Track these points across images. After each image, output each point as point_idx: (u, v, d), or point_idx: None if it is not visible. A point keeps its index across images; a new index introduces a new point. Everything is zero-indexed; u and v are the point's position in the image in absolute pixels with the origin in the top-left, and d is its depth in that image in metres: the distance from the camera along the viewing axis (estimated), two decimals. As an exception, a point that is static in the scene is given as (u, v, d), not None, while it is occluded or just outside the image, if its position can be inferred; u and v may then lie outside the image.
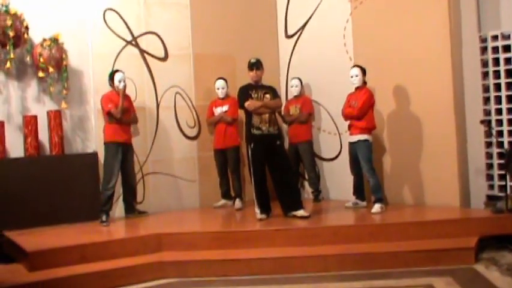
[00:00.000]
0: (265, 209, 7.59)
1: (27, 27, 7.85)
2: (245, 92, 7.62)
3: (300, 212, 7.46)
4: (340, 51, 8.93)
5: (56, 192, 7.89)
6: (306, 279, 6.15)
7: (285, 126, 9.35)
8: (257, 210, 7.54)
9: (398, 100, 8.23)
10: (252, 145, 7.53)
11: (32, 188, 7.74)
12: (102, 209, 7.90)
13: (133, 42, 8.84)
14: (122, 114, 7.92)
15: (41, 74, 7.95)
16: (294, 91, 9.10)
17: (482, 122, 7.44)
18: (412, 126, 8.06)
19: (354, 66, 8.00)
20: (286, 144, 8.90)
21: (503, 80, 7.56)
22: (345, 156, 8.43)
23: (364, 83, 7.91)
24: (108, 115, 7.95)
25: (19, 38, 7.75)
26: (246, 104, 7.54)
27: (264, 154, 7.54)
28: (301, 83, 9.12)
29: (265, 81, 7.84)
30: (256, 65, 7.65)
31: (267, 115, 7.53)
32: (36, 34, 8.02)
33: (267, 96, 7.60)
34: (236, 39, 9.51)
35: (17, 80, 8.07)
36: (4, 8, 7.67)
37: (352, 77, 7.88)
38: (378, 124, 8.03)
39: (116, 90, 8.04)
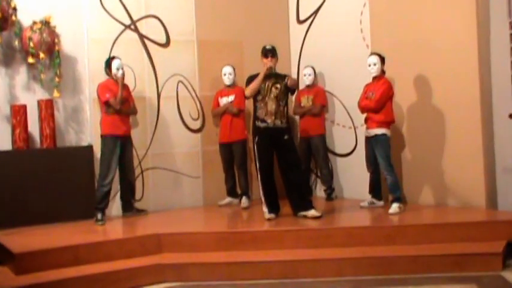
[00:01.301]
0: (274, 207, 7.58)
1: (15, 9, 7.79)
2: (249, 82, 7.60)
3: (311, 212, 7.43)
4: (356, 38, 8.89)
5: (47, 188, 7.86)
6: (318, 284, 6.14)
7: (296, 118, 9.29)
8: (265, 209, 7.52)
9: (419, 92, 8.16)
10: (256, 139, 7.54)
11: (20, 184, 7.71)
12: (98, 207, 7.87)
13: (132, 27, 8.80)
14: (121, 104, 7.86)
15: (30, 60, 7.91)
16: (306, 80, 9.05)
17: (511, 116, 7.35)
18: (434, 120, 7.99)
19: (372, 54, 7.93)
20: (297, 139, 8.85)
21: (534, 70, 7.48)
22: (361, 151, 8.40)
23: (383, 72, 7.85)
24: (106, 105, 7.91)
25: (6, 20, 7.67)
26: (245, 93, 7.62)
27: (271, 148, 7.53)
28: (315, 72, 9.06)
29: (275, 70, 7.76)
30: (272, 52, 7.60)
31: (273, 106, 7.48)
32: (26, 16, 7.96)
33: (277, 86, 7.54)
34: (244, 24, 9.48)
35: (4, 66, 8.03)
36: (-12, -13, 7.64)
37: (369, 65, 7.82)
38: (397, 117, 7.98)
39: (113, 79, 8.01)
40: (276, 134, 7.51)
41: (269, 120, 7.48)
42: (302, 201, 7.55)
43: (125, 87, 8.13)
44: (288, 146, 7.58)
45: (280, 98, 7.54)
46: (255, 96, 7.58)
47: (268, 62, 7.54)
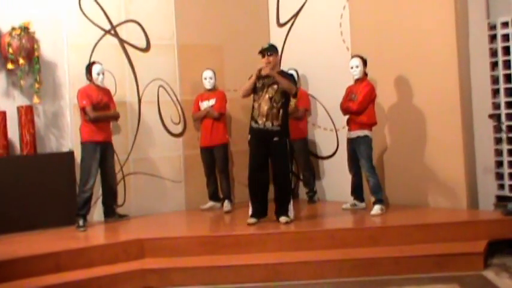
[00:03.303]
0: (258, 211, 7.51)
1: (-7, 14, 7.78)
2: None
3: (281, 219, 7.34)
4: (336, 41, 8.90)
5: (27, 195, 7.79)
6: (301, 287, 6.14)
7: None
8: (249, 212, 7.50)
9: (400, 93, 8.19)
10: (249, 137, 7.50)
11: (0, 191, 7.63)
12: (79, 213, 7.82)
13: (112, 32, 8.75)
14: (96, 119, 7.86)
15: (10, 66, 7.86)
16: (288, 83, 9.03)
17: (491, 116, 7.40)
18: (415, 121, 8.02)
19: (354, 56, 7.94)
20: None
21: (513, 71, 7.53)
22: (342, 153, 8.40)
23: (365, 74, 7.87)
24: (83, 112, 7.88)
25: (-16, 26, 7.67)
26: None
27: (261, 149, 7.43)
28: (298, 74, 9.06)
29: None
30: (268, 50, 7.48)
31: (265, 108, 7.32)
32: (4, 22, 7.93)
33: (274, 87, 7.35)
34: (224, 28, 9.46)
35: (-17, 73, 7.98)
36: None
37: (352, 68, 7.83)
38: (379, 119, 7.98)
39: (94, 84, 7.96)
40: (266, 136, 7.38)
41: (260, 122, 7.37)
42: (278, 207, 7.46)
43: (106, 92, 8.12)
44: (276, 148, 7.40)
45: (275, 100, 7.34)
46: (253, 94, 7.49)
47: (264, 62, 7.41)
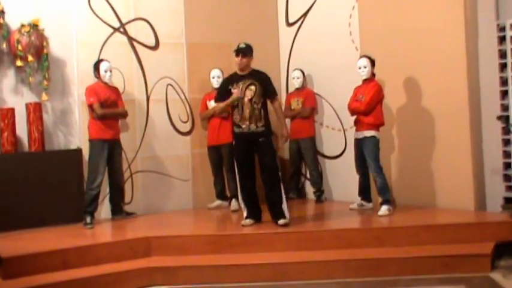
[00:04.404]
0: (254, 212, 7.44)
1: (2, 11, 7.79)
2: (223, 87, 7.46)
3: (279, 222, 7.20)
4: (345, 41, 8.87)
5: (35, 192, 7.81)
6: (307, 286, 6.13)
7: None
8: (244, 214, 7.46)
9: (408, 94, 8.17)
10: (234, 142, 7.44)
11: (8, 187, 7.66)
12: (87, 210, 7.83)
13: (121, 30, 8.77)
14: (103, 116, 7.87)
15: (19, 63, 7.88)
16: (295, 83, 9.07)
17: (499, 118, 7.38)
18: (423, 122, 8.00)
19: (362, 56, 7.92)
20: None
21: (522, 73, 7.51)
22: (350, 154, 8.38)
23: (373, 75, 7.85)
24: (91, 109, 7.90)
25: (-6, 23, 7.68)
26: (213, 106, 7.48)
27: (248, 152, 7.34)
28: (304, 74, 9.07)
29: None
30: (242, 51, 7.29)
31: (247, 110, 7.21)
32: (14, 19, 7.95)
33: (251, 88, 7.27)
34: (233, 27, 9.45)
35: (-8, 70, 8.01)
36: (-25, -10, 7.63)
37: (360, 68, 7.80)
38: (386, 119, 7.96)
39: (102, 81, 7.98)
40: (251, 139, 7.27)
41: (243, 126, 7.25)
42: (272, 209, 7.33)
43: (114, 90, 8.14)
44: (263, 149, 7.29)
45: (255, 101, 7.24)
46: None
47: (238, 62, 7.30)
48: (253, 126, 7.25)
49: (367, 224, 7.51)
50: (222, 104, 7.46)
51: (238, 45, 7.38)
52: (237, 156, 7.41)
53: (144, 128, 8.85)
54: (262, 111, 7.29)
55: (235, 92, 7.28)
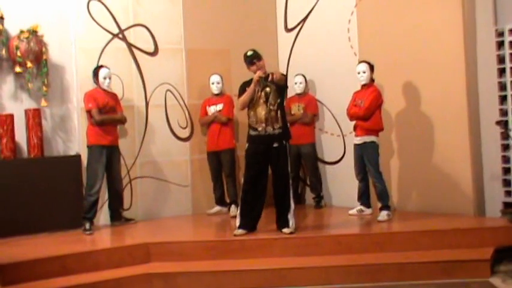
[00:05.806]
0: (249, 224, 7.27)
1: (1, 17, 7.80)
2: (241, 90, 7.34)
3: (284, 231, 7.13)
4: (344, 46, 8.89)
5: (34, 198, 7.80)
6: (307, 292, 6.11)
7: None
8: (237, 223, 7.29)
9: (407, 99, 8.18)
10: (247, 146, 7.33)
11: (7, 193, 7.64)
12: (86, 217, 7.83)
13: (120, 36, 8.77)
14: (101, 122, 7.87)
15: (18, 69, 7.88)
16: (297, 89, 9.06)
17: (498, 122, 7.38)
18: (422, 128, 8.01)
19: (361, 61, 7.94)
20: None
21: (520, 78, 7.52)
22: (349, 159, 8.38)
23: (372, 80, 7.86)
24: (89, 115, 7.90)
25: (-8, 29, 7.69)
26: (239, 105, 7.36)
27: (261, 158, 7.19)
28: (306, 80, 9.08)
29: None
30: (256, 56, 7.21)
31: (263, 112, 7.11)
32: (13, 25, 7.94)
33: (267, 90, 7.17)
34: (232, 33, 9.46)
35: (-9, 76, 8.01)
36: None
37: (359, 73, 7.81)
38: (386, 125, 7.96)
39: (100, 88, 7.98)
40: (267, 142, 7.13)
41: (260, 128, 7.13)
42: (279, 218, 7.23)
43: (113, 96, 8.14)
44: (277, 154, 7.15)
45: (271, 102, 7.13)
46: None
47: (256, 69, 7.18)
48: (269, 129, 7.13)
49: (366, 229, 7.50)
50: (249, 89, 7.14)
51: (247, 54, 7.27)
52: (249, 160, 7.24)
53: (143, 133, 8.84)
54: (278, 112, 7.18)
55: (258, 73, 7.13)
